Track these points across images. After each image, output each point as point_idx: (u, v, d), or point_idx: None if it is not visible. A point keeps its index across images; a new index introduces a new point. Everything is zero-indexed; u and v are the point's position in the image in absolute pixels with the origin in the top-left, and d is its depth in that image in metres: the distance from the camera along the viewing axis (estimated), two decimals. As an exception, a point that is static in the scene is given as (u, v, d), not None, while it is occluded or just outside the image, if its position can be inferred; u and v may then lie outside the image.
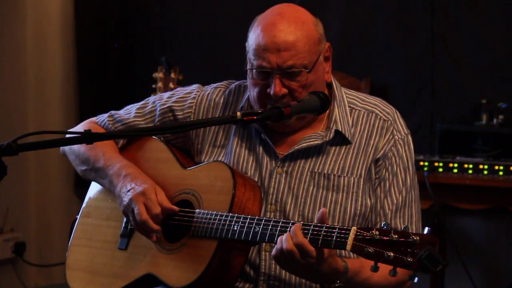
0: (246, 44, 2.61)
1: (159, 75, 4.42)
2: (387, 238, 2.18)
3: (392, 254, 2.16)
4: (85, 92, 5.54)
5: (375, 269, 2.20)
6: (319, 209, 2.55)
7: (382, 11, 4.88)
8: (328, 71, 2.64)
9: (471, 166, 4.25)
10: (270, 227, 2.40)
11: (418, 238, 2.16)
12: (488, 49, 4.70)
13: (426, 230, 2.19)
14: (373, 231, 2.21)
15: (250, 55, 2.57)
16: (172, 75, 4.41)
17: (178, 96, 2.78)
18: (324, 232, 2.29)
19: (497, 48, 4.69)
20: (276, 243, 2.40)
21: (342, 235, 2.25)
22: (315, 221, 2.33)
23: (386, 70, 4.88)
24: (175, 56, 4.91)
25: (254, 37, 2.55)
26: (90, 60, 5.53)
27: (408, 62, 4.85)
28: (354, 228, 2.25)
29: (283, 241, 2.31)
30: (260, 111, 2.43)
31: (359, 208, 2.58)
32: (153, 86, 4.42)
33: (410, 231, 2.20)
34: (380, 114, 2.66)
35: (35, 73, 5.37)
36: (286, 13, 2.56)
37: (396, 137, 2.64)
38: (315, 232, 2.30)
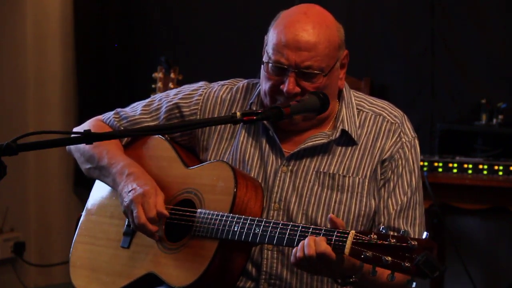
0: (266, 37, 2.61)
1: (158, 75, 4.41)
2: (385, 242, 2.17)
3: (390, 258, 2.15)
4: (85, 92, 5.53)
5: (373, 273, 2.19)
6: (323, 209, 2.57)
7: (382, 11, 4.87)
8: (342, 78, 2.64)
9: (471, 166, 4.24)
10: (270, 229, 2.39)
11: (416, 243, 2.14)
12: (488, 49, 4.70)
13: (424, 234, 2.18)
14: (372, 235, 2.19)
15: (269, 48, 2.57)
16: (172, 75, 4.41)
17: (184, 93, 2.78)
18: (322, 235, 2.28)
19: (497, 48, 4.69)
20: (275, 244, 2.41)
21: (342, 239, 2.24)
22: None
23: (386, 70, 4.88)
24: (175, 56, 4.91)
25: (276, 32, 2.55)
26: (90, 60, 5.53)
27: (408, 62, 4.85)
28: (352, 232, 2.23)
29: (306, 247, 2.27)
30: (259, 111, 2.41)
31: (363, 208, 2.58)
32: (153, 86, 4.42)
33: (409, 235, 2.19)
34: (388, 117, 2.66)
35: (35, 73, 5.37)
36: (312, 13, 2.57)
37: (404, 139, 2.65)
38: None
